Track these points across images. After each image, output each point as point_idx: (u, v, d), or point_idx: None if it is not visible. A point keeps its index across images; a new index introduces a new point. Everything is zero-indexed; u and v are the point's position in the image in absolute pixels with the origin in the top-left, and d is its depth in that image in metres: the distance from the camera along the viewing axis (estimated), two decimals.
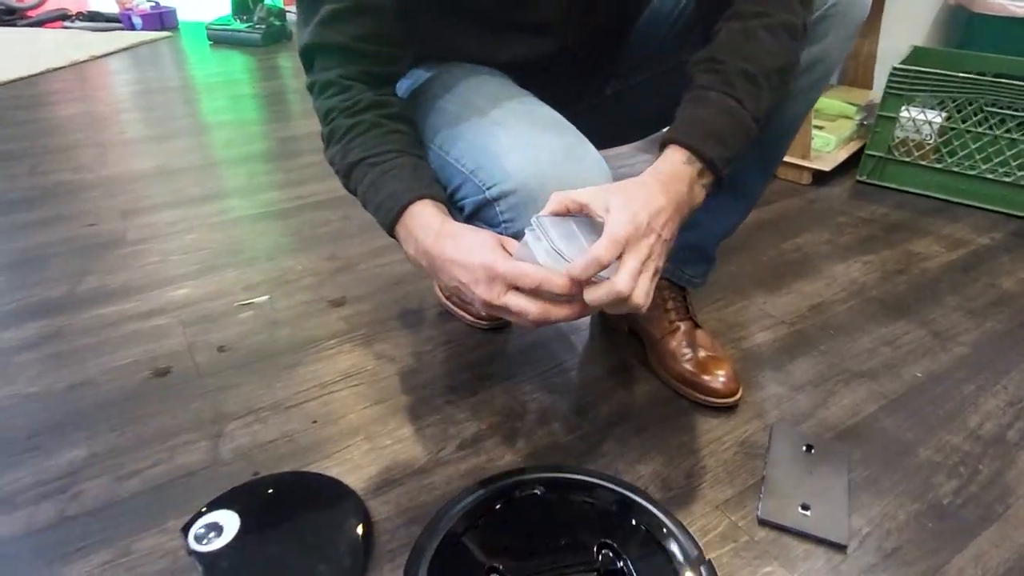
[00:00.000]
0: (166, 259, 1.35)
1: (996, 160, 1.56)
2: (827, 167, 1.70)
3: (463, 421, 0.94)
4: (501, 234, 0.76)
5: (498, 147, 0.74)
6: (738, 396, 0.96)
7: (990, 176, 1.57)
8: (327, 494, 0.81)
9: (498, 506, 0.73)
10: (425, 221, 0.69)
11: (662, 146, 0.69)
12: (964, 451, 0.90)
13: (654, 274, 0.61)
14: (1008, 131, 1.52)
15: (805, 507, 0.80)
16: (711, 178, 0.69)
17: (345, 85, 0.75)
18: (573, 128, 0.78)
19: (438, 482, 0.84)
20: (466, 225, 0.68)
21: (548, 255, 0.60)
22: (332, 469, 0.86)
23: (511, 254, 0.63)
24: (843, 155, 1.76)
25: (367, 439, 0.91)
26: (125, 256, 1.37)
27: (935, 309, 1.22)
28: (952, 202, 1.64)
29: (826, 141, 1.75)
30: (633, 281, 0.58)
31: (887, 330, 1.15)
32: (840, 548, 0.76)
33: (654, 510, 0.73)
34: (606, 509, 0.74)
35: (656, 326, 1.04)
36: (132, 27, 3.64)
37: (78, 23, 3.70)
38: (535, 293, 0.60)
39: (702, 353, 0.99)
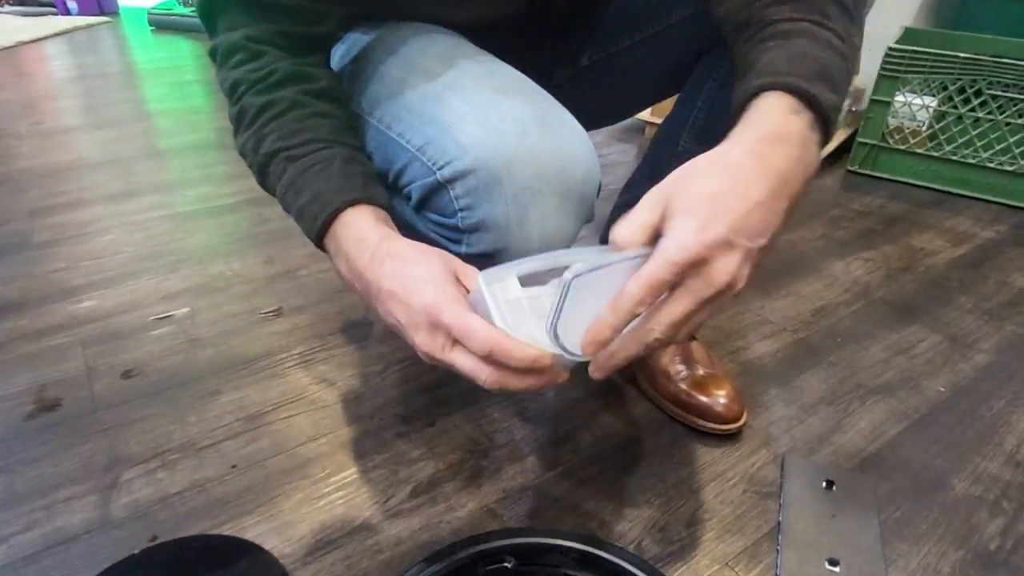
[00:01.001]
0: (74, 265, 1.16)
1: (997, 147, 1.45)
2: None
3: (417, 460, 0.78)
4: (457, 229, 0.61)
5: (451, 116, 0.58)
6: (742, 421, 0.82)
7: (991, 165, 1.47)
8: (243, 565, 0.65)
9: None
10: (359, 234, 0.54)
11: (747, 98, 0.47)
12: (1004, 480, 0.77)
13: (714, 308, 0.43)
14: (1010, 116, 1.41)
15: (833, 562, 0.66)
16: (820, 136, 0.47)
17: (255, 51, 0.59)
18: (543, 91, 0.62)
19: (385, 542, 0.68)
20: (412, 244, 0.52)
21: (503, 314, 0.45)
22: (252, 529, 0.69)
23: (468, 291, 0.48)
24: (832, 144, 1.64)
25: (299, 487, 0.74)
26: (27, 261, 1.17)
27: (948, 311, 1.09)
28: (950, 193, 1.53)
29: None
30: (672, 331, 0.42)
31: (899, 336, 1.02)
32: None
33: None
34: None
35: None
36: (67, 11, 3.38)
37: (7, 7, 3.43)
38: (488, 358, 0.45)
39: (699, 371, 0.85)
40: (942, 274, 1.20)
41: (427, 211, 0.64)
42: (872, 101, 1.54)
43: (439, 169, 0.58)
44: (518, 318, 0.47)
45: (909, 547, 0.69)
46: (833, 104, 0.46)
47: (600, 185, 0.66)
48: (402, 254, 0.51)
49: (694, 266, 0.41)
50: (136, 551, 0.66)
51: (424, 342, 0.48)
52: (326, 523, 0.70)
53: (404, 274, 0.49)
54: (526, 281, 0.49)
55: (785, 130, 0.45)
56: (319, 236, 0.56)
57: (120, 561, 0.65)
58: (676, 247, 0.41)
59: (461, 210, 0.59)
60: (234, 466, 0.76)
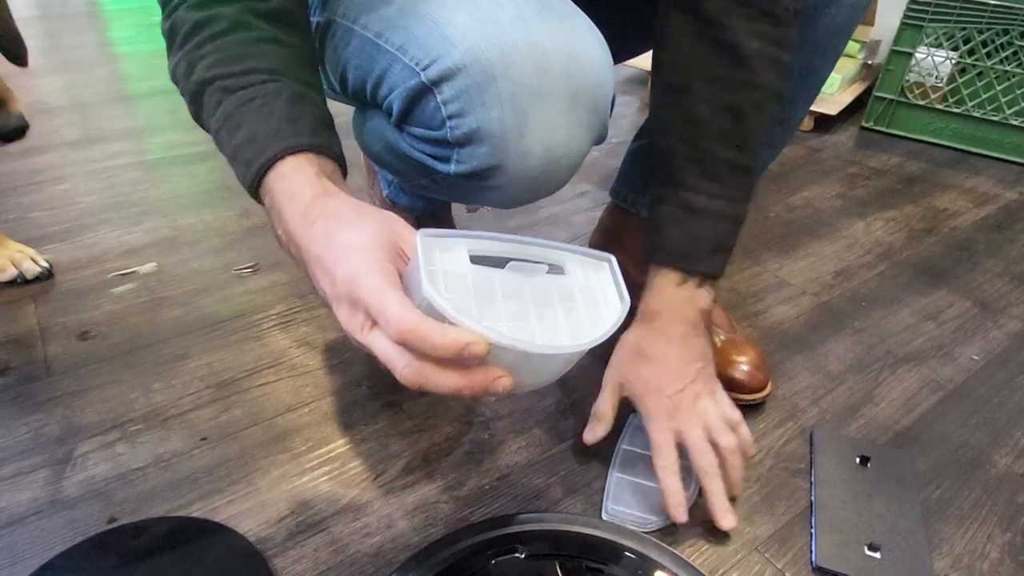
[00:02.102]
0: (24, 216, 1.05)
1: (1023, 103, 1.36)
2: (833, 111, 1.49)
3: (410, 432, 0.70)
4: (444, 143, 0.52)
5: (440, 10, 0.50)
6: (767, 391, 0.75)
7: (1014, 122, 1.39)
8: (214, 551, 0.57)
9: None
10: (294, 188, 0.44)
11: (647, 260, 0.65)
12: None
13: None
14: None
15: (873, 547, 0.59)
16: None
17: None
18: None
19: (375, 524, 0.60)
20: (351, 203, 0.44)
21: (439, 285, 0.37)
22: (224, 510, 0.61)
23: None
24: (847, 98, 1.55)
25: (277, 463, 0.66)
26: None
27: (976, 275, 1.02)
28: (969, 152, 1.46)
29: (830, 81, 1.53)
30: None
31: (928, 301, 0.96)
32: None
33: None
34: None
35: None
36: None
37: None
38: (405, 344, 0.36)
39: (719, 335, 0.77)
40: (967, 236, 1.13)
41: (411, 125, 0.55)
42: (892, 52, 1.45)
43: (423, 69, 0.49)
44: (459, 296, 0.38)
45: (952, 529, 0.63)
46: (722, 265, 0.63)
47: (614, 99, 0.57)
48: (336, 214, 0.42)
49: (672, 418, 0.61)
50: (91, 535, 0.58)
51: (344, 319, 0.40)
52: (309, 503, 0.62)
53: (333, 238, 0.41)
54: (477, 260, 0.41)
55: (684, 307, 0.63)
56: (253, 187, 0.47)
57: (73, 547, 0.57)
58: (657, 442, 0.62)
59: (450, 118, 0.50)
60: (204, 439, 0.68)
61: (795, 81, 0.69)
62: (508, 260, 0.41)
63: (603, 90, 0.55)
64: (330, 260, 0.40)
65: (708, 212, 0.60)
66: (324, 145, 0.47)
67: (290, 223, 0.44)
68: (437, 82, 0.50)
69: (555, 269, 0.43)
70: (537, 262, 0.41)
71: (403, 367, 0.36)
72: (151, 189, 1.14)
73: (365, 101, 0.62)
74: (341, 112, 0.58)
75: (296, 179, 0.45)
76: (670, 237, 0.61)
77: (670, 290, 0.62)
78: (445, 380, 0.37)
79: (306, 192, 0.44)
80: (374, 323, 0.38)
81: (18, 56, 0.78)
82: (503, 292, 0.40)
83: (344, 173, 0.50)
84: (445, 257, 0.39)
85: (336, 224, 0.42)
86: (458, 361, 0.36)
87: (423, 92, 0.51)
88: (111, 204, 1.09)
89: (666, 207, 0.62)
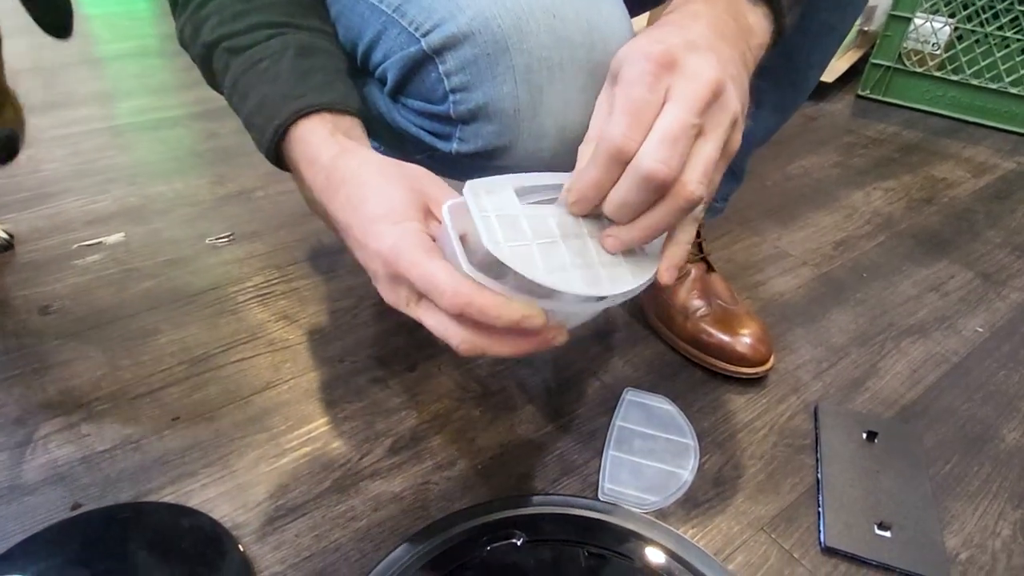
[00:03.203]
0: None
1: (1023, 71, 1.33)
2: (829, 78, 1.45)
3: (397, 410, 0.66)
4: (447, 119, 0.47)
5: None
6: (769, 364, 0.72)
7: (1012, 91, 1.36)
8: (187, 538, 0.53)
9: (458, 569, 0.46)
10: (312, 153, 0.43)
11: None
12: None
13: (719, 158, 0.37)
14: None
15: (884, 526, 0.57)
16: (772, 27, 0.44)
17: None
18: None
19: (360, 508, 0.57)
20: (373, 162, 0.41)
21: (495, 231, 0.34)
22: (198, 494, 0.57)
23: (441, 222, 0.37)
24: (844, 65, 1.51)
25: (255, 443, 0.62)
26: None
27: (977, 246, 1.00)
28: (965, 122, 1.43)
29: None
30: (677, 159, 0.35)
31: (929, 272, 0.93)
32: None
33: (704, 569, 0.48)
34: (624, 565, 0.49)
35: None
36: None
37: None
38: (460, 317, 0.35)
39: (720, 306, 0.74)
40: (967, 206, 1.11)
41: (407, 97, 0.50)
42: (891, 17, 1.41)
43: (424, 35, 0.44)
44: (518, 244, 0.34)
45: (963, 506, 0.61)
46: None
47: None
48: (358, 178, 0.40)
49: (667, 67, 0.36)
50: (54, 522, 0.54)
51: (387, 294, 0.38)
52: (288, 486, 0.58)
53: (358, 209, 0.39)
54: (524, 196, 0.38)
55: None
56: (271, 155, 0.45)
57: (34, 535, 0.53)
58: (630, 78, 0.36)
59: (453, 91, 0.45)
60: (176, 418, 0.64)
61: (810, 41, 0.65)
62: (555, 194, 0.38)
63: None
64: (360, 232, 0.39)
65: None
66: (338, 100, 0.45)
67: (314, 190, 0.42)
68: (439, 50, 0.44)
69: None
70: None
71: (460, 341, 0.35)
72: (119, 155, 1.08)
73: (356, 67, 0.56)
74: None
75: (312, 142, 0.43)
76: None
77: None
78: (503, 347, 0.36)
79: (323, 154, 0.42)
80: (420, 296, 0.36)
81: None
82: (561, 231, 0.37)
83: (366, 125, 0.47)
84: (492, 200, 0.35)
85: (359, 191, 0.39)
86: (516, 330, 0.35)
87: (423, 61, 0.46)
88: (76, 171, 1.02)
89: None
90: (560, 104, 0.46)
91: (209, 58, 0.47)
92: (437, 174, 0.42)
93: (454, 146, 0.49)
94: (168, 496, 0.56)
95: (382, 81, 0.50)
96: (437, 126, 0.49)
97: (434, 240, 0.37)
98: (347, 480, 0.59)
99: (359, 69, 0.53)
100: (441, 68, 0.45)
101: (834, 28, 0.64)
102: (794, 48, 0.63)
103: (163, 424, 0.63)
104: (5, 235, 0.84)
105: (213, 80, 0.49)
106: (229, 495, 0.57)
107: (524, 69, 0.44)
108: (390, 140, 0.60)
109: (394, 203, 0.38)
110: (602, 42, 0.45)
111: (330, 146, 0.43)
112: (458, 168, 0.56)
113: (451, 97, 0.45)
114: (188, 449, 0.61)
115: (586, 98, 0.47)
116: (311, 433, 0.63)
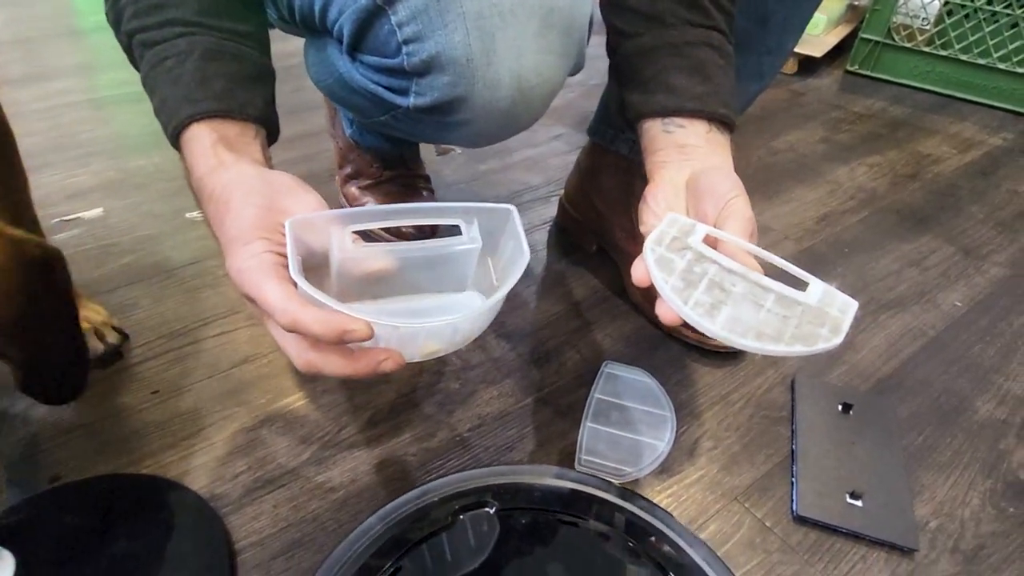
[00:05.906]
0: None
1: (1011, 47, 1.33)
2: (818, 53, 1.44)
3: (376, 383, 0.66)
4: (401, 72, 0.48)
5: None
6: None
7: (1001, 66, 1.35)
8: (165, 509, 0.53)
9: (430, 536, 0.47)
10: (192, 160, 0.44)
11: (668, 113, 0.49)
12: None
13: None
14: None
15: (855, 495, 0.58)
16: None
17: None
18: None
19: (338, 479, 0.57)
20: (238, 177, 0.41)
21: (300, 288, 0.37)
22: (177, 466, 0.57)
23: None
24: (832, 40, 1.50)
25: (234, 416, 0.62)
26: None
27: (959, 221, 1.00)
28: (953, 97, 1.42)
29: (815, 21, 1.48)
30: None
31: (911, 247, 0.93)
32: (908, 553, 0.55)
33: (675, 537, 0.49)
34: (597, 532, 0.50)
35: (636, 243, 0.78)
36: None
37: None
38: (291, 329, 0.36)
39: None
40: (951, 182, 1.11)
41: (364, 53, 0.50)
42: None
43: None
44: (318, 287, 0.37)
45: (934, 477, 0.62)
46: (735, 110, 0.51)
47: (592, 21, 0.52)
48: (222, 197, 0.40)
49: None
50: (32, 495, 0.54)
51: (249, 308, 0.41)
52: (266, 458, 0.58)
53: (220, 226, 0.40)
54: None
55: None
56: (177, 147, 0.46)
57: (11, 507, 0.53)
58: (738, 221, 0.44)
59: (405, 43, 0.45)
60: (155, 392, 0.64)
61: (786, 8, 0.65)
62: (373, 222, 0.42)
63: (580, 10, 0.50)
64: (223, 247, 0.40)
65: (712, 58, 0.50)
66: (234, 108, 0.44)
67: (194, 195, 0.44)
68: (391, 1, 0.45)
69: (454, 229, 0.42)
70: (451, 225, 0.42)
71: (295, 357, 0.38)
72: (98, 129, 1.07)
73: (315, 28, 0.56)
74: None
75: (195, 152, 0.43)
76: (678, 85, 0.49)
77: (702, 136, 0.49)
78: (336, 366, 0.37)
79: (199, 167, 0.42)
80: (265, 314, 0.38)
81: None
82: (408, 264, 0.41)
83: (271, 130, 0.48)
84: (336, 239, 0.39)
85: (219, 210, 0.40)
86: (343, 344, 0.36)
87: (375, 13, 0.46)
88: (54, 145, 1.01)
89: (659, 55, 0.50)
90: (514, 51, 0.46)
91: (129, 47, 0.48)
92: (403, 136, 0.43)
93: (411, 100, 0.49)
94: (147, 468, 0.57)
95: (340, 40, 0.50)
96: (394, 81, 0.49)
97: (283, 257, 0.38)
98: (325, 452, 0.59)
99: (319, 28, 0.53)
100: (393, 19, 0.45)
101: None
102: (770, 14, 0.63)
103: (142, 397, 0.63)
104: (117, 335, 0.67)
105: (136, 66, 0.49)
106: (207, 467, 0.57)
107: (475, 15, 0.44)
108: (352, 101, 0.60)
109: (244, 225, 0.39)
110: None
111: (208, 159, 0.43)
112: (421, 126, 0.56)
113: (404, 49, 0.46)
114: (167, 422, 0.61)
115: (539, 45, 0.47)
116: (290, 407, 0.63)
